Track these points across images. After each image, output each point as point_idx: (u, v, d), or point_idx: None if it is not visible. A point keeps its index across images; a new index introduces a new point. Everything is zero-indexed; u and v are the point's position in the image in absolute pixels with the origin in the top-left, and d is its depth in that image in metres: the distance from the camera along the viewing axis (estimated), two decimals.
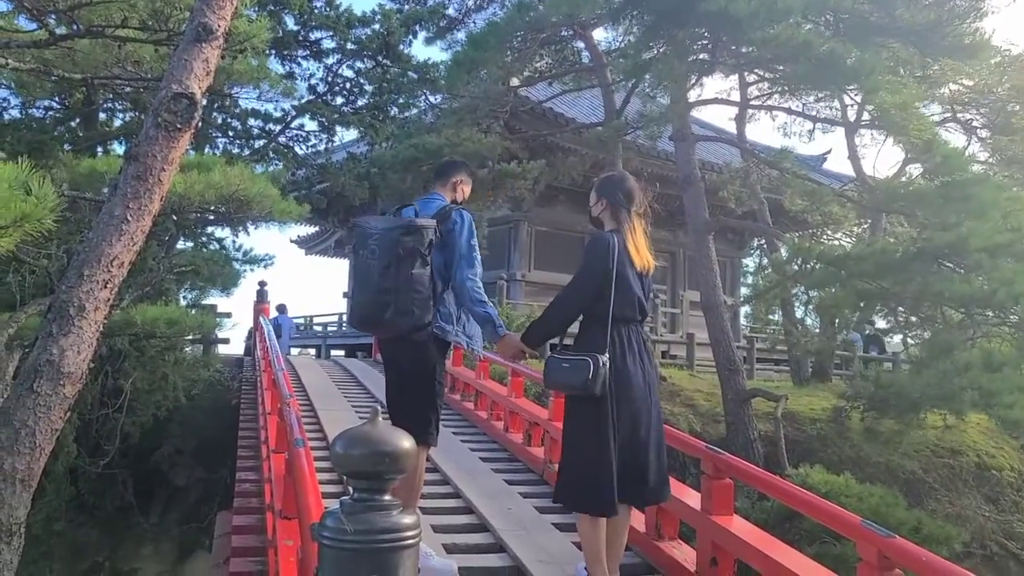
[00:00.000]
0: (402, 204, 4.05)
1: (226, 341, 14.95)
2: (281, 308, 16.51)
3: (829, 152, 20.80)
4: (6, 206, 3.48)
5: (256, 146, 13.65)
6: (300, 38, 13.85)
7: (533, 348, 3.81)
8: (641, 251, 3.56)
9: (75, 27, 6.57)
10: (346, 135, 15.91)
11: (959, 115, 15.53)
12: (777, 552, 3.64)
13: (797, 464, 9.19)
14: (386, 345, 3.96)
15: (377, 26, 13.95)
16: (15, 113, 11.18)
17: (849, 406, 10.64)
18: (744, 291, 20.96)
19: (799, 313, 14.73)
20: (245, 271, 13.24)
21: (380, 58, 14.14)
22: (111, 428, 10.23)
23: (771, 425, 10.25)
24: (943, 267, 8.43)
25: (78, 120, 11.79)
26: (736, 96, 14.14)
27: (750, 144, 15.19)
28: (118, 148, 11.72)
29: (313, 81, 14.19)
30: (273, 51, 12.75)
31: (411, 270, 3.51)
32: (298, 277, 70.28)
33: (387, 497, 1.93)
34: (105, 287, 3.86)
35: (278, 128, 13.81)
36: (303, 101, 13.62)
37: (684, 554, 4.16)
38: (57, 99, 11.50)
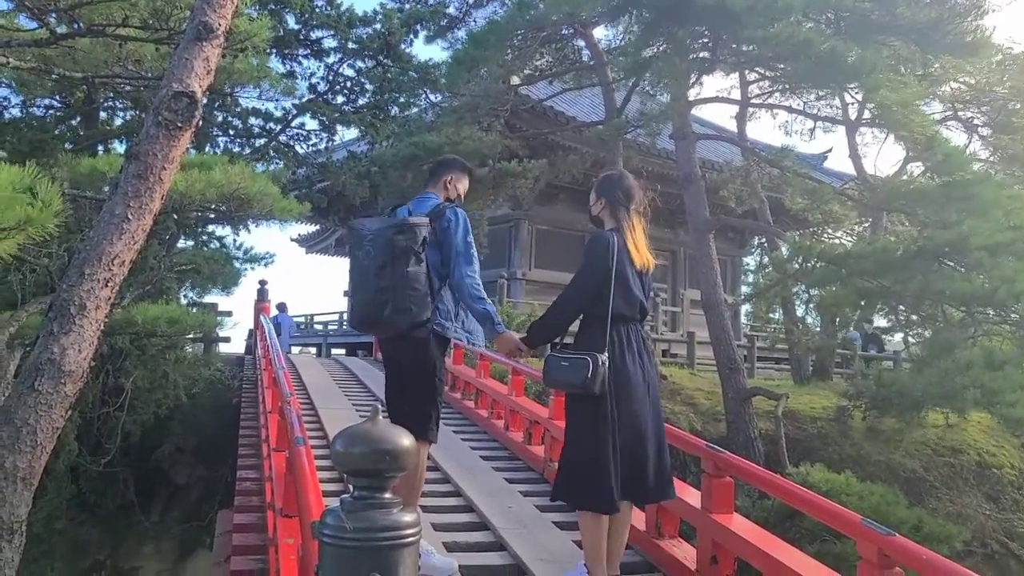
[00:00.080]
0: (396, 204, 4.06)
1: (227, 340, 15.00)
2: (281, 307, 16.52)
3: (830, 151, 20.81)
4: (9, 209, 3.48)
5: (257, 145, 13.65)
6: (301, 37, 13.85)
7: (534, 347, 3.82)
8: (641, 250, 3.57)
9: (76, 26, 6.57)
10: (347, 134, 15.93)
11: (960, 113, 15.53)
12: (777, 550, 3.64)
13: (798, 462, 9.19)
14: (386, 344, 3.97)
15: (378, 25, 13.95)
16: (16, 112, 11.19)
17: (851, 405, 10.64)
18: (745, 289, 20.96)
19: (800, 312, 14.76)
20: (246, 270, 13.25)
21: (381, 57, 14.14)
22: (112, 426, 10.25)
23: (772, 424, 10.26)
24: (944, 265, 8.43)
25: (79, 119, 11.79)
26: (737, 94, 14.14)
27: (751, 142, 15.18)
28: (119, 147, 11.72)
29: (314, 80, 14.21)
30: (274, 50, 12.74)
31: (406, 268, 3.53)
32: (299, 276, 70.29)
33: (387, 495, 1.93)
34: (106, 286, 3.86)
35: (279, 127, 13.82)
36: (304, 100, 13.62)
37: (684, 552, 4.17)
38: (58, 98, 11.51)
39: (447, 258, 3.77)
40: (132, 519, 10.54)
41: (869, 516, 3.38)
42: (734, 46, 10.62)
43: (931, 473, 10.87)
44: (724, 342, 10.51)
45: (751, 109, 14.81)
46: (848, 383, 12.59)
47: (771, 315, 15.95)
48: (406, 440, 1.96)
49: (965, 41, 8.95)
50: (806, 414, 11.55)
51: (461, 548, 4.33)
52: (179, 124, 4.00)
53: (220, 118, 13.18)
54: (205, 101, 4.27)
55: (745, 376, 11.04)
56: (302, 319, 22.61)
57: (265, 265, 13.82)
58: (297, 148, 14.18)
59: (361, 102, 14.44)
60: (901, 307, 10.00)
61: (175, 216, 8.65)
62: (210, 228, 12.57)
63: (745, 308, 19.92)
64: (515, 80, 13.04)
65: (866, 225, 14.83)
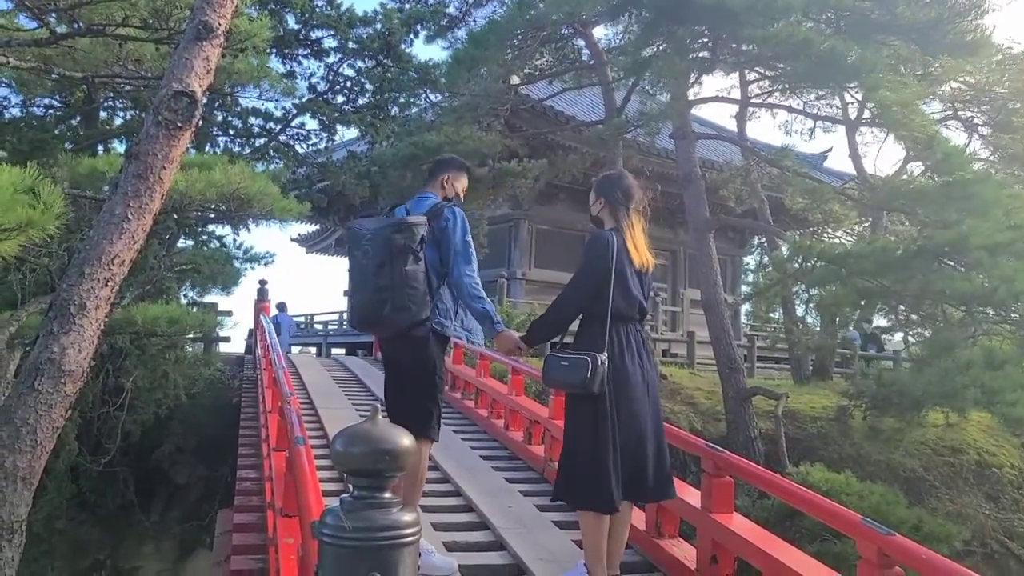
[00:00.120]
0: (395, 204, 4.06)
1: (227, 339, 15.01)
2: (281, 306, 16.52)
3: (830, 150, 20.83)
4: (10, 210, 3.49)
5: (257, 144, 13.65)
6: (301, 37, 13.84)
7: (533, 346, 3.83)
8: (640, 249, 3.57)
9: (76, 25, 6.57)
10: (347, 134, 15.93)
11: (960, 113, 15.53)
12: (777, 550, 3.64)
13: (798, 462, 9.19)
14: (386, 344, 3.98)
15: (378, 25, 13.94)
16: (16, 111, 11.19)
17: (852, 404, 10.65)
18: (745, 289, 20.96)
19: (800, 311, 14.77)
20: (246, 269, 13.26)
21: (381, 57, 14.13)
22: (112, 426, 10.25)
23: (772, 423, 10.26)
24: (944, 265, 8.43)
25: (79, 118, 11.79)
26: (737, 94, 14.14)
27: (751, 142, 15.19)
28: (119, 146, 11.72)
29: (314, 80, 14.20)
30: (274, 50, 12.74)
31: (404, 267, 3.54)
32: (299, 275, 70.30)
33: (387, 495, 1.93)
34: (106, 285, 3.86)
35: (279, 127, 13.81)
36: (304, 100, 13.62)
37: (684, 552, 4.17)
38: (58, 97, 11.51)
39: (445, 257, 3.78)
40: (132, 519, 10.54)
41: (869, 516, 3.38)
42: (734, 46, 10.62)
43: (931, 473, 10.87)
44: (724, 342, 10.51)
45: (751, 109, 14.82)
46: (848, 383, 12.59)
47: (771, 315, 15.95)
48: (406, 440, 1.96)
49: (965, 40, 8.96)
50: (806, 414, 11.56)
51: (461, 548, 4.33)
52: (179, 124, 4.00)
53: (220, 118, 13.18)
54: (205, 101, 4.27)
55: (745, 376, 11.04)
56: (302, 319, 22.62)
57: (265, 265, 13.85)
58: (297, 148, 14.19)
59: (361, 102, 14.45)
60: (901, 307, 10.01)
61: (175, 216, 8.65)
62: (210, 228, 12.58)
63: (745, 308, 19.93)
64: (515, 80, 13.04)
65: (866, 225, 14.84)
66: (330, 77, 14.35)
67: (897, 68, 10.29)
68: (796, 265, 9.78)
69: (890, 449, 10.54)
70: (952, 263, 8.40)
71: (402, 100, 14.46)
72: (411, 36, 14.18)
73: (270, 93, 11.01)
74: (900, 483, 9.90)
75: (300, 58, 13.99)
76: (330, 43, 14.09)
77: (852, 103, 13.43)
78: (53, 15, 6.62)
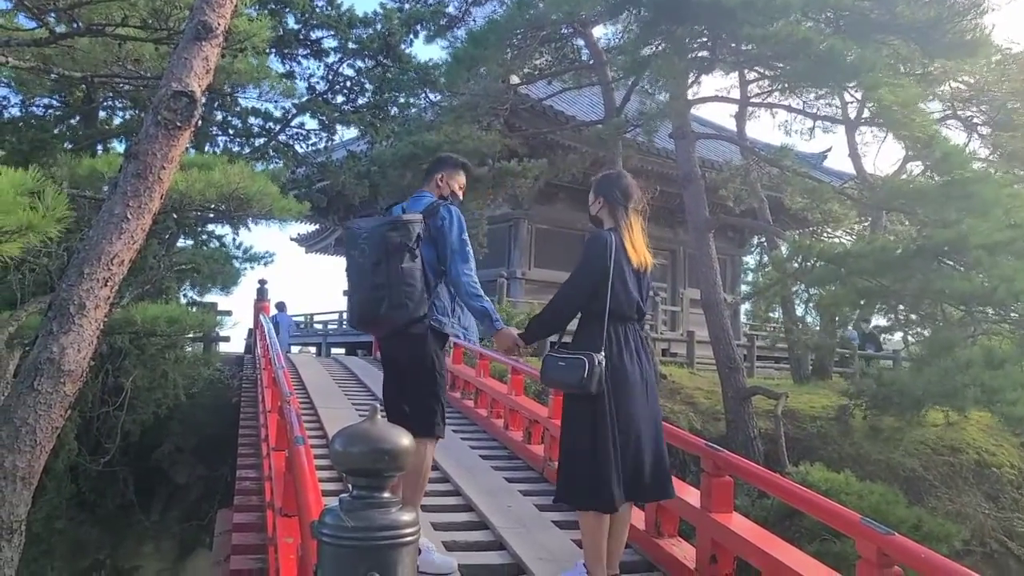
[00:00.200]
0: (392, 203, 4.06)
1: (226, 339, 15.01)
2: (280, 306, 16.52)
3: (829, 150, 20.79)
4: (11, 213, 3.49)
5: (256, 144, 13.64)
6: (301, 37, 13.84)
7: (529, 344, 3.84)
8: (639, 249, 3.57)
9: (75, 25, 6.57)
10: (346, 133, 15.92)
11: (959, 112, 15.53)
12: (777, 550, 3.64)
13: (797, 462, 9.19)
14: (385, 342, 3.99)
15: (378, 26, 13.94)
16: (15, 111, 11.19)
17: (852, 403, 10.65)
18: (744, 289, 20.94)
19: (799, 311, 14.76)
20: (245, 269, 13.27)
21: (381, 57, 14.13)
22: (112, 426, 10.25)
23: (771, 423, 10.26)
24: (943, 264, 8.44)
25: (78, 118, 11.79)
26: (736, 94, 14.15)
27: (750, 142, 15.19)
28: (118, 146, 11.71)
29: (313, 80, 14.20)
30: (273, 49, 12.75)
31: (400, 264, 3.55)
32: (298, 275, 70.30)
33: (386, 494, 1.93)
34: (105, 285, 3.86)
35: (278, 126, 13.81)
36: (303, 100, 13.61)
37: (684, 551, 4.17)
38: (57, 97, 11.50)
39: (443, 255, 3.79)
40: (132, 518, 10.54)
41: (868, 515, 3.38)
42: (733, 45, 10.62)
43: (930, 472, 10.87)
44: (724, 341, 10.51)
45: (751, 108, 14.83)
46: (848, 382, 12.60)
47: (771, 314, 15.95)
48: (405, 440, 1.97)
49: (965, 40, 8.97)
50: (805, 413, 11.56)
51: (460, 547, 4.33)
52: (178, 123, 4.00)
53: (219, 117, 13.18)
54: (204, 101, 4.27)
55: (745, 375, 11.04)
56: (302, 318, 22.62)
57: (265, 264, 13.86)
58: (297, 147, 14.18)
59: (361, 102, 14.44)
60: (900, 306, 10.01)
61: (175, 215, 8.65)
62: (210, 227, 12.58)
63: (745, 307, 19.91)
64: (514, 79, 13.04)
65: (866, 224, 14.83)
66: (330, 77, 14.36)
67: (896, 68, 10.29)
68: (796, 265, 9.79)
69: (890, 448, 10.54)
70: (952, 262, 8.41)
71: (402, 100, 14.46)
72: (411, 36, 14.19)
73: (270, 94, 11.01)
74: (900, 482, 9.90)
75: (300, 58, 14.00)
76: (330, 43, 14.10)
77: (852, 102, 13.44)
78: (52, 15, 6.62)
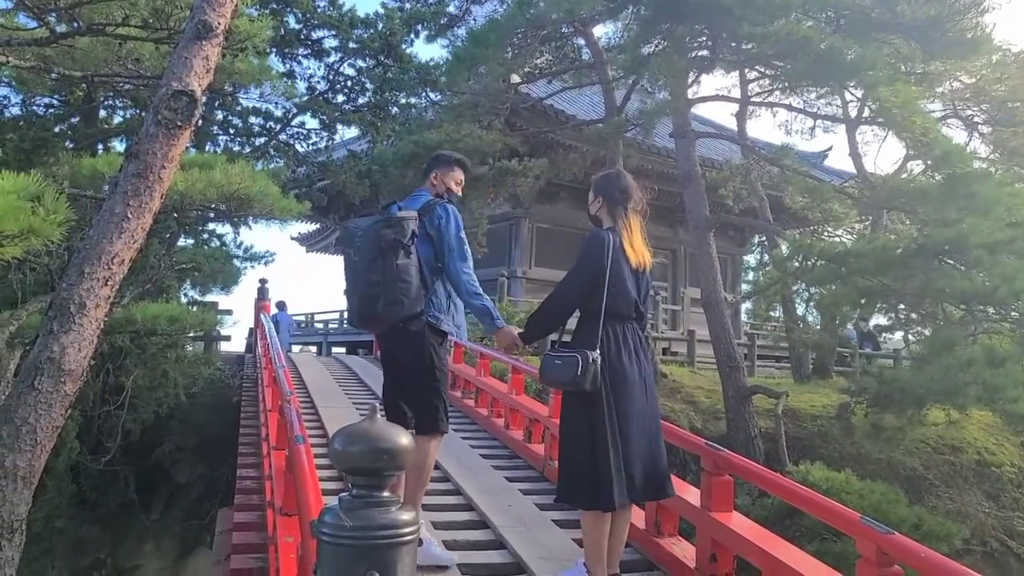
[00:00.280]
0: (390, 202, 4.07)
1: (227, 338, 15.03)
2: (280, 305, 16.54)
3: (830, 149, 20.77)
4: (14, 217, 3.50)
5: (257, 143, 13.66)
6: (302, 37, 13.86)
7: (527, 343, 3.84)
8: (637, 248, 3.57)
9: (76, 25, 6.57)
10: (347, 133, 15.94)
11: (960, 112, 15.49)
12: (777, 549, 3.64)
13: (798, 461, 9.19)
14: (383, 340, 4.01)
15: (380, 26, 13.95)
16: (16, 110, 11.22)
17: (853, 401, 10.64)
18: (745, 288, 20.94)
19: (800, 310, 14.74)
20: (246, 268, 13.32)
21: (381, 57, 14.14)
22: (112, 425, 10.26)
23: (772, 422, 10.26)
24: (944, 264, 8.42)
25: (79, 117, 11.80)
26: (737, 93, 14.13)
27: (751, 141, 15.18)
28: (119, 146, 11.74)
29: (314, 80, 14.23)
30: (274, 49, 12.76)
31: (395, 261, 3.57)
32: (299, 274, 70.39)
33: (385, 493, 1.94)
34: (106, 284, 3.86)
35: (279, 126, 13.83)
36: (304, 99, 13.63)
37: (684, 550, 4.17)
38: (58, 96, 11.52)
39: (440, 253, 3.81)
40: (133, 517, 10.55)
41: (869, 514, 3.38)
42: (733, 44, 10.61)
43: (931, 471, 10.87)
44: (724, 340, 10.51)
45: (751, 107, 14.80)
46: (848, 381, 12.59)
47: (771, 313, 15.93)
48: (404, 439, 1.97)
49: (965, 38, 8.96)
50: (806, 412, 11.55)
51: (461, 546, 4.33)
52: (179, 123, 4.00)
53: (220, 117, 13.20)
54: (205, 100, 4.27)
55: (745, 374, 11.04)
56: (302, 318, 22.63)
57: (265, 264, 13.90)
58: (297, 147, 14.20)
59: (361, 101, 14.46)
60: (901, 305, 9.99)
61: (175, 215, 8.65)
62: (210, 226, 12.61)
63: (745, 306, 19.92)
64: (515, 78, 13.04)
65: (866, 223, 14.81)
66: (330, 76, 14.38)
67: (897, 67, 10.28)
68: (796, 264, 9.78)
69: (890, 448, 10.53)
70: (952, 261, 8.40)
71: (403, 99, 14.49)
72: (412, 35, 14.19)
73: (271, 94, 11.02)
74: (900, 482, 9.89)
75: (300, 58, 14.03)
76: (331, 43, 14.13)
77: (852, 102, 13.40)
78: (53, 14, 6.62)
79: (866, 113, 12.07)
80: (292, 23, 13.67)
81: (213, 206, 7.23)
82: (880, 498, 7.67)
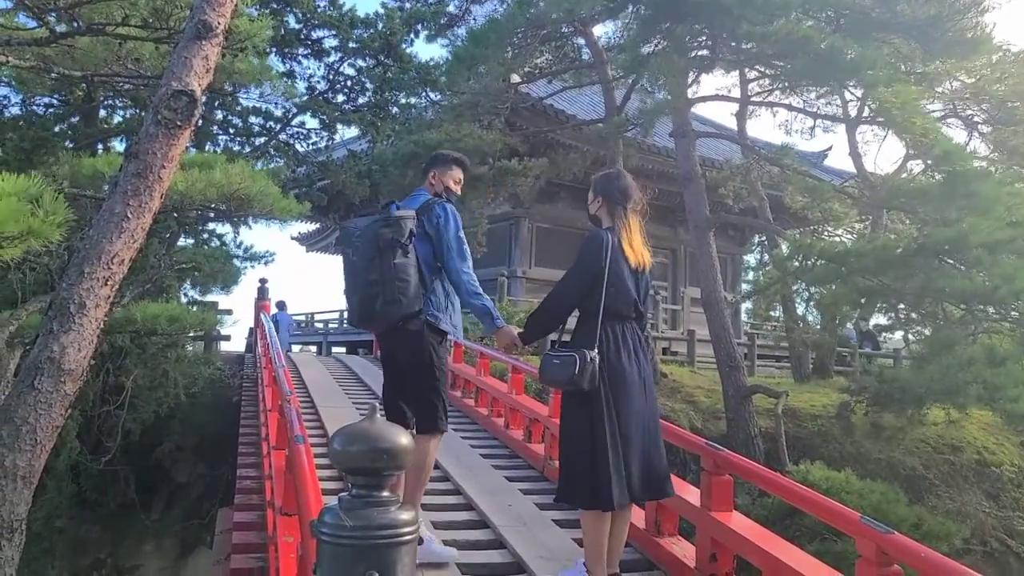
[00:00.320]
0: (389, 202, 4.08)
1: (227, 338, 15.03)
2: (280, 305, 16.54)
3: (830, 149, 20.79)
4: (14, 219, 3.51)
5: (257, 143, 13.66)
6: (302, 36, 13.85)
7: (527, 343, 3.84)
8: (636, 248, 3.57)
9: (76, 24, 6.57)
10: (347, 132, 15.94)
11: (960, 111, 15.49)
12: (777, 548, 3.64)
13: (798, 460, 9.19)
14: (383, 339, 4.01)
15: (380, 25, 13.95)
16: (16, 110, 11.21)
17: (853, 400, 10.64)
18: (745, 287, 20.94)
19: (800, 310, 14.74)
20: (246, 268, 13.31)
21: (382, 57, 14.14)
22: (112, 425, 10.26)
23: (772, 421, 10.26)
24: (944, 263, 8.42)
25: (78, 117, 11.80)
26: (737, 92, 14.14)
27: (751, 140, 15.18)
28: (119, 145, 11.74)
29: (314, 79, 14.23)
30: (274, 49, 12.75)
31: (393, 260, 3.57)
32: (299, 274, 70.39)
33: (385, 493, 1.93)
34: (106, 284, 3.86)
35: (279, 125, 13.82)
36: (304, 99, 13.62)
37: (684, 550, 4.17)
38: (57, 96, 11.51)
39: (439, 252, 3.82)
40: (133, 517, 10.55)
41: (869, 514, 3.38)
42: (733, 44, 10.62)
43: (931, 471, 10.87)
44: (724, 340, 10.51)
45: (751, 107, 14.81)
46: (849, 380, 12.59)
47: (771, 313, 15.92)
48: (404, 439, 1.96)
49: (965, 38, 8.97)
50: (806, 412, 11.56)
51: (461, 546, 4.33)
52: (178, 123, 4.00)
53: (220, 116, 13.19)
54: (205, 100, 4.27)
55: (745, 374, 11.04)
56: (302, 317, 22.63)
57: (265, 263, 13.90)
58: (297, 146, 14.20)
59: (361, 101, 14.46)
60: (901, 305, 9.99)
61: (175, 214, 8.65)
62: (210, 226, 12.61)
63: (745, 306, 19.91)
64: (515, 78, 13.04)
65: (866, 223, 14.81)
66: (330, 76, 14.37)
67: (897, 66, 10.28)
68: (796, 263, 9.78)
69: (890, 447, 10.53)
70: (952, 261, 8.40)
71: (403, 99, 14.48)
72: (412, 35, 14.19)
73: (271, 95, 11.02)
74: (900, 481, 9.90)
75: (300, 57, 14.02)
76: (331, 43, 14.12)
77: (852, 101, 13.40)
78: (53, 14, 6.62)
79: (866, 113, 12.07)
80: (292, 23, 13.67)
81: (213, 206, 7.23)
82: (880, 498, 7.68)
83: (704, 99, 12.79)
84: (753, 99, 14.16)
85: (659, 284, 17.22)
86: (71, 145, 10.86)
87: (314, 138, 14.32)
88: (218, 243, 13.17)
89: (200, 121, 4.22)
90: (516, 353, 5.33)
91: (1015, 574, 10.13)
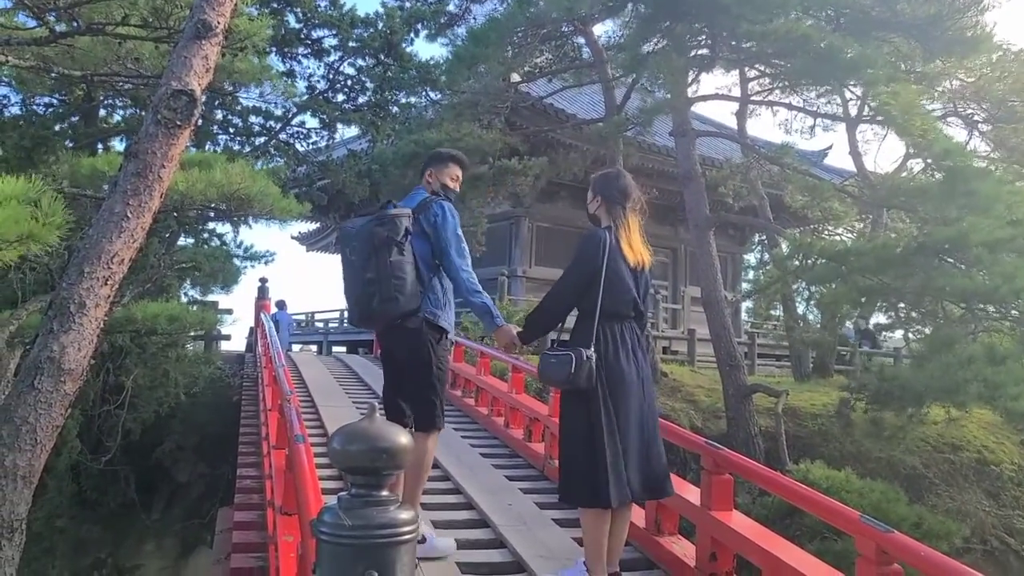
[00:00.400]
0: (388, 201, 4.08)
1: (227, 338, 15.03)
2: (280, 304, 16.54)
3: (830, 148, 20.76)
4: (14, 223, 3.51)
5: (257, 143, 13.65)
6: (302, 36, 13.84)
7: (526, 342, 3.85)
8: (635, 247, 3.57)
9: (75, 24, 6.56)
10: (347, 132, 15.93)
11: (960, 110, 15.48)
12: (777, 547, 3.64)
13: (798, 460, 9.20)
14: (382, 337, 4.02)
15: (380, 25, 13.94)
16: (16, 110, 11.21)
17: (853, 398, 10.64)
18: (745, 286, 20.92)
19: (800, 309, 14.73)
20: (246, 267, 13.28)
21: (382, 56, 14.13)
22: (113, 424, 10.26)
23: (772, 421, 10.26)
24: (944, 262, 8.43)
25: (78, 117, 11.79)
26: (737, 91, 14.14)
27: (751, 139, 15.18)
28: (118, 145, 11.73)
29: (314, 79, 14.21)
30: (274, 48, 12.75)
31: (389, 258, 3.58)
32: (299, 273, 70.39)
33: (384, 493, 1.93)
34: (106, 284, 3.86)
35: (279, 125, 13.81)
36: (304, 98, 13.61)
37: (684, 549, 4.17)
38: (57, 96, 11.50)
39: (437, 250, 3.82)
40: (133, 517, 10.55)
41: (870, 513, 3.38)
42: (733, 43, 10.62)
43: (931, 470, 10.88)
44: (724, 339, 10.52)
45: (751, 106, 14.81)
46: (849, 379, 12.59)
47: (772, 312, 15.92)
48: (403, 438, 1.96)
49: (965, 37, 8.97)
50: (806, 411, 11.56)
51: (461, 545, 4.33)
52: (178, 122, 4.00)
53: (220, 116, 13.18)
54: (204, 99, 4.27)
55: (745, 373, 11.04)
56: (302, 317, 22.63)
57: (265, 263, 13.87)
58: (297, 146, 14.19)
59: (361, 100, 14.45)
60: (901, 304, 10.00)
61: (175, 214, 8.64)
62: (210, 226, 12.59)
63: (746, 305, 19.90)
64: (515, 77, 13.04)
65: (866, 222, 14.82)
66: (330, 76, 14.36)
67: (897, 65, 10.28)
68: (796, 262, 9.78)
69: (891, 446, 10.53)
70: (952, 260, 8.40)
71: (403, 98, 14.47)
72: (412, 34, 14.18)
73: (271, 95, 11.00)
74: (900, 480, 9.91)
75: (300, 57, 14.00)
76: (331, 42, 14.10)
77: (852, 100, 13.41)
78: (53, 14, 6.62)
79: (866, 112, 12.08)
80: (292, 22, 13.66)
81: (213, 205, 7.22)
82: (880, 497, 7.68)
83: (704, 98, 12.80)
84: (753, 98, 14.16)
85: (659, 283, 17.22)
86: (71, 144, 10.86)
87: (314, 137, 14.33)
88: (218, 243, 13.17)
89: (200, 120, 4.22)
90: (516, 352, 5.33)
91: (1015, 573, 10.13)
